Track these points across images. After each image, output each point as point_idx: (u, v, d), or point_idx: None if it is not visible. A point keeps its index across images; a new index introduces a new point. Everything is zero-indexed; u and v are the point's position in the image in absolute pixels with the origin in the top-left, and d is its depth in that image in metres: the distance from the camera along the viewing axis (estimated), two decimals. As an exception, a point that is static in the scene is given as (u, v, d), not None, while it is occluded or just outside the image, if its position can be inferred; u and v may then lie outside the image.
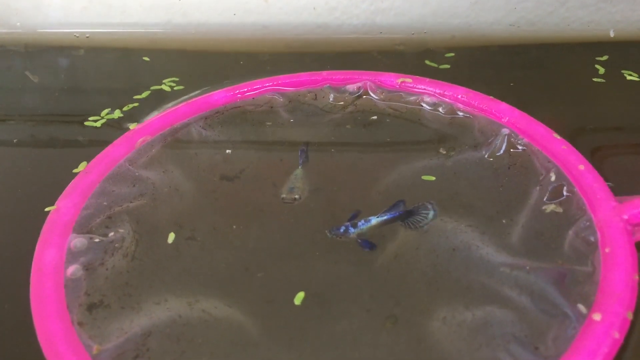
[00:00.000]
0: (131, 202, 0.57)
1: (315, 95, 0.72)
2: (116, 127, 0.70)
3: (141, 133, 0.65)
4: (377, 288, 0.50)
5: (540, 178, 0.57)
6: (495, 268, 0.49)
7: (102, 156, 0.61)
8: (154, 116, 0.69)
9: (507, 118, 0.63)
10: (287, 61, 0.82)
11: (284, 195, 0.58)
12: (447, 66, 0.80)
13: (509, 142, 0.61)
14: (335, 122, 0.69)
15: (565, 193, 0.54)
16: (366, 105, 0.71)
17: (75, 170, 0.61)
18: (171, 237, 0.54)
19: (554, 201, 0.54)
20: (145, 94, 0.75)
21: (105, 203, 0.57)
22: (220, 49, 0.89)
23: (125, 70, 0.85)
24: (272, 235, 0.55)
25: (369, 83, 0.71)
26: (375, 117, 0.69)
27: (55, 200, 0.57)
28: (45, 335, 0.45)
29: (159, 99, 0.75)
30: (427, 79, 0.70)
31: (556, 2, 0.86)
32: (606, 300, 0.44)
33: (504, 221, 0.54)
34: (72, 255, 0.51)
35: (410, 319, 0.47)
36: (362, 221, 0.53)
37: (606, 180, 0.55)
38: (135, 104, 0.73)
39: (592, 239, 0.49)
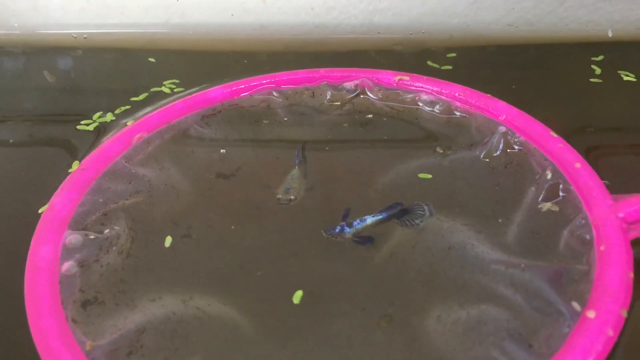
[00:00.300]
0: (127, 200, 0.57)
1: (313, 92, 0.72)
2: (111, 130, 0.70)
3: (138, 129, 0.65)
4: (372, 287, 0.50)
5: (537, 177, 0.57)
6: (490, 266, 0.49)
7: (98, 152, 0.61)
8: (150, 112, 0.69)
9: (504, 116, 0.63)
10: (286, 61, 0.82)
11: (279, 196, 0.58)
12: (449, 67, 0.79)
13: (505, 140, 0.61)
14: (333, 121, 0.68)
15: (561, 191, 0.54)
16: (363, 104, 0.71)
17: (70, 170, 0.61)
18: (168, 240, 0.54)
19: (550, 199, 0.54)
20: (142, 96, 0.75)
21: (101, 200, 0.56)
22: (219, 49, 0.89)
23: (124, 71, 0.85)
24: (268, 234, 0.55)
25: (366, 81, 0.71)
26: (372, 116, 0.69)
27: (49, 200, 0.56)
28: (39, 331, 0.45)
29: (157, 101, 0.74)
30: (425, 77, 0.70)
31: (555, 1, 0.86)
32: (600, 298, 0.44)
33: (500, 220, 0.54)
34: (67, 252, 0.51)
35: (405, 318, 0.47)
36: (358, 220, 0.53)
37: (602, 178, 0.55)
38: (128, 107, 0.73)
39: (587, 237, 0.49)
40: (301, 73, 0.73)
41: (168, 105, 0.70)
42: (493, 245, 0.51)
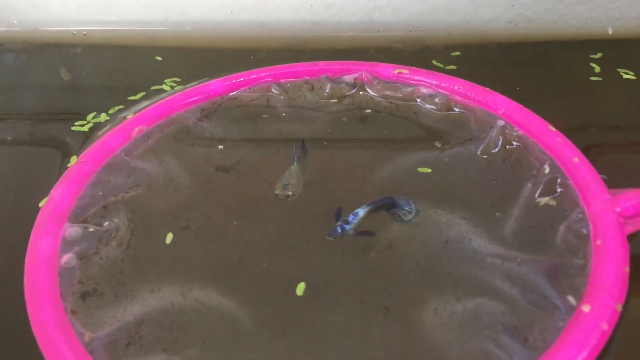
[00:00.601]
0: (126, 192, 0.57)
1: (312, 85, 0.72)
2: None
3: (137, 123, 0.65)
4: (370, 280, 0.50)
5: (535, 171, 0.57)
6: (487, 260, 0.49)
7: (97, 146, 0.61)
8: (150, 106, 0.69)
9: (503, 110, 0.63)
10: (285, 58, 0.81)
11: (277, 192, 0.58)
12: (453, 67, 0.80)
13: (504, 134, 0.61)
14: (331, 116, 0.69)
15: (558, 186, 0.55)
16: (362, 98, 0.71)
17: (68, 165, 0.61)
18: (169, 237, 0.54)
19: (548, 193, 0.54)
20: (140, 95, 0.75)
21: (100, 193, 0.57)
22: (218, 47, 0.89)
23: (123, 69, 0.85)
24: (266, 227, 0.55)
25: (365, 74, 0.71)
26: (371, 111, 0.69)
27: (49, 194, 0.57)
28: (38, 322, 0.45)
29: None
30: (424, 70, 0.70)
31: (555, -2, 0.86)
32: (596, 292, 0.44)
33: (497, 214, 0.54)
34: (67, 244, 0.51)
35: (401, 310, 0.47)
36: (352, 216, 0.53)
37: (600, 173, 0.55)
38: (121, 106, 0.73)
39: (584, 231, 0.49)
40: (300, 66, 0.74)
41: (167, 98, 0.70)
42: (490, 239, 0.51)
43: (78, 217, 0.54)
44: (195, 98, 0.70)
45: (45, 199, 0.55)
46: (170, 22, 0.91)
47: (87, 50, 0.89)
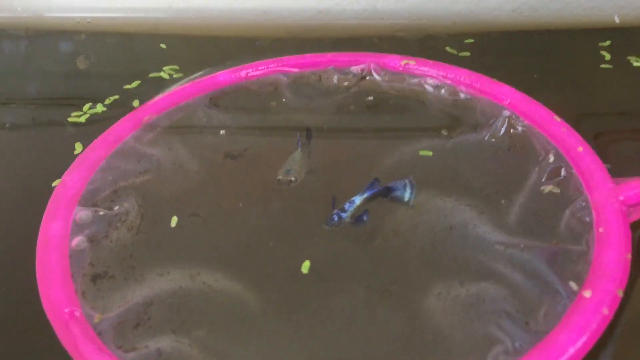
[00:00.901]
0: (136, 178, 0.58)
1: (320, 76, 0.72)
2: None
3: (147, 111, 0.66)
4: (375, 265, 0.51)
5: (539, 159, 0.57)
6: (490, 246, 0.50)
7: (108, 133, 0.62)
8: (160, 95, 0.69)
9: (509, 100, 0.64)
10: (288, 47, 0.82)
11: (280, 177, 0.58)
12: (466, 53, 0.80)
13: (509, 124, 0.61)
14: (339, 104, 0.69)
15: (563, 174, 0.55)
16: (370, 87, 0.71)
17: (76, 152, 0.62)
18: (174, 220, 0.55)
19: (552, 182, 0.55)
20: (134, 84, 0.75)
21: (110, 178, 0.58)
22: (221, 35, 0.89)
23: (126, 56, 0.86)
24: (274, 213, 0.56)
25: (372, 65, 0.71)
26: (378, 99, 0.69)
27: (61, 177, 0.58)
28: (49, 304, 0.46)
29: (155, 87, 0.75)
30: (431, 61, 0.70)
31: (558, -14, 0.86)
32: (597, 278, 0.44)
33: (502, 201, 0.54)
34: (77, 227, 0.52)
35: (406, 295, 0.48)
36: (348, 204, 0.54)
37: (608, 163, 0.55)
38: (116, 97, 0.74)
39: (587, 219, 0.50)
40: (308, 57, 0.74)
41: (177, 88, 0.71)
42: (495, 225, 0.52)
43: (89, 201, 0.55)
44: (204, 88, 0.71)
45: (59, 180, 0.56)
46: (174, 9, 0.92)
47: (91, 38, 0.90)
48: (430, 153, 0.61)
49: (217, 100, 0.70)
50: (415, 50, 0.75)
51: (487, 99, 0.65)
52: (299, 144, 0.62)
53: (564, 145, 0.57)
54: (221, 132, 0.65)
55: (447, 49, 0.80)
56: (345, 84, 0.72)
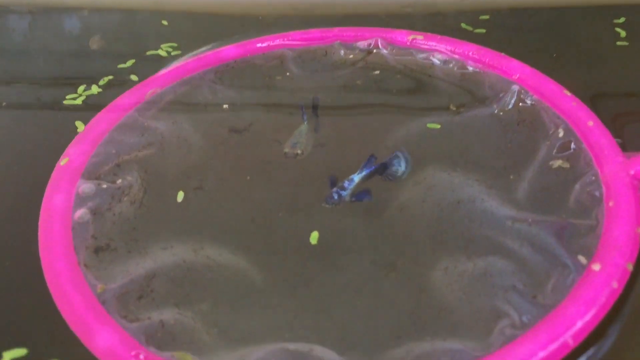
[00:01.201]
0: (140, 151, 0.58)
1: (326, 51, 0.71)
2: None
3: (151, 85, 0.65)
4: (381, 240, 0.50)
5: (549, 134, 0.57)
6: (498, 221, 0.49)
7: (111, 106, 0.62)
8: (164, 69, 0.69)
9: (518, 75, 0.63)
10: (294, 24, 0.81)
11: (286, 150, 0.58)
12: (470, 27, 0.79)
13: (518, 98, 0.61)
14: (345, 78, 0.68)
15: (572, 149, 0.54)
16: (376, 61, 0.70)
17: (79, 131, 0.61)
18: (180, 195, 0.54)
19: (561, 156, 0.54)
20: (129, 63, 0.74)
21: (113, 151, 0.57)
22: (225, 11, 0.88)
23: (127, 33, 0.85)
24: (279, 188, 0.55)
25: (379, 40, 0.70)
26: (385, 74, 0.68)
27: (60, 156, 0.57)
28: (52, 274, 0.46)
29: (152, 65, 0.74)
30: (438, 36, 0.69)
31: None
32: (607, 251, 0.44)
33: (511, 176, 0.54)
34: (80, 200, 0.52)
35: (412, 270, 0.47)
36: (347, 182, 0.53)
37: (618, 138, 0.54)
38: (111, 77, 0.72)
39: (597, 193, 0.49)
40: (314, 32, 0.73)
41: (181, 63, 0.70)
42: (503, 200, 0.51)
43: (92, 174, 0.55)
44: (208, 63, 0.70)
45: (67, 159, 0.56)
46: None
47: (94, 14, 0.89)
48: (438, 126, 0.60)
49: (222, 74, 0.69)
50: (423, 27, 0.73)
51: (495, 74, 0.64)
52: (304, 117, 0.61)
53: (574, 119, 0.56)
54: (224, 106, 0.65)
55: (463, 25, 0.79)
56: (351, 57, 0.71)
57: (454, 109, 0.62)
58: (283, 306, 0.46)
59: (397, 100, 0.65)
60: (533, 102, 0.60)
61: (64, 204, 0.51)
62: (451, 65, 0.67)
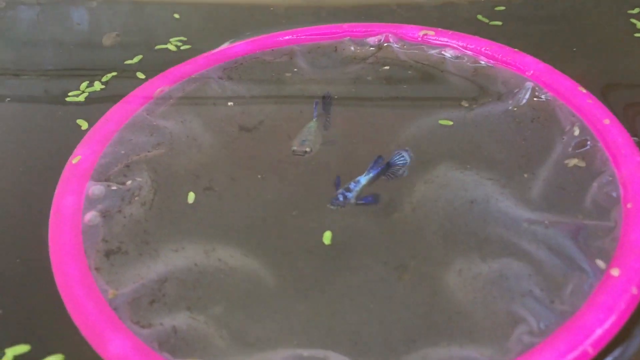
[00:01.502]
0: (149, 152, 0.57)
1: (336, 47, 0.71)
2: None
3: (159, 83, 0.65)
4: (393, 240, 0.49)
5: (564, 132, 0.56)
6: (513, 221, 0.48)
7: (120, 105, 0.61)
8: (173, 67, 0.68)
9: (532, 71, 0.62)
10: (303, 15, 0.80)
11: (294, 148, 0.57)
12: (497, 23, 0.77)
13: (532, 95, 0.60)
14: (355, 74, 0.68)
15: (588, 148, 0.53)
16: (387, 57, 0.69)
17: (83, 128, 0.61)
18: (191, 196, 0.54)
19: (577, 155, 0.53)
20: (136, 59, 0.73)
21: (123, 152, 0.57)
22: (234, 3, 0.87)
23: (138, 25, 0.84)
24: (290, 187, 0.55)
25: (390, 36, 0.69)
26: (396, 69, 0.68)
27: (68, 152, 0.57)
28: (63, 279, 0.45)
29: (159, 60, 0.73)
30: (450, 32, 0.68)
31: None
32: (626, 255, 0.43)
33: (525, 175, 0.53)
34: (90, 202, 0.52)
35: (426, 271, 0.47)
36: (353, 184, 0.52)
37: (635, 136, 0.53)
38: (114, 73, 0.71)
39: (614, 194, 0.48)
40: (324, 28, 0.72)
41: (189, 60, 0.69)
42: (517, 200, 0.50)
43: (101, 175, 0.54)
44: (217, 60, 0.69)
45: (79, 157, 0.55)
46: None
47: (103, 5, 0.88)
48: (451, 123, 0.59)
49: (230, 71, 0.68)
50: (436, 17, 0.72)
51: (509, 70, 0.63)
52: (315, 114, 0.60)
53: (590, 117, 0.55)
54: (229, 103, 0.64)
55: (479, 17, 0.78)
56: (361, 52, 0.70)
57: (466, 105, 0.61)
58: (296, 309, 0.45)
59: (408, 96, 0.65)
60: (548, 99, 0.59)
61: (73, 206, 0.51)
62: (463, 60, 0.66)
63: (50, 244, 0.48)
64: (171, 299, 0.45)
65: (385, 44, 0.70)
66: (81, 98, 0.67)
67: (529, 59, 0.63)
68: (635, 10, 0.77)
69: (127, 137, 0.58)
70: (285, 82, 0.67)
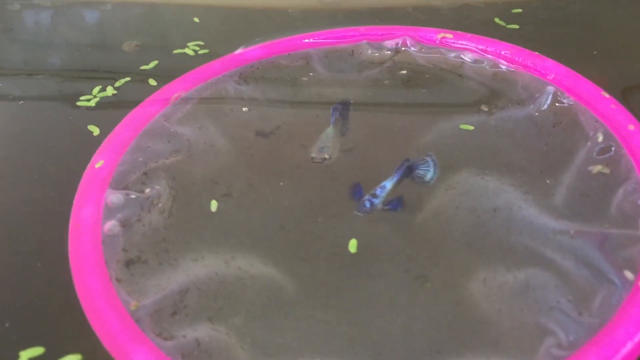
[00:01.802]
0: (167, 159, 0.57)
1: (352, 51, 0.70)
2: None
3: (176, 88, 0.64)
4: (415, 248, 0.49)
5: (587, 138, 0.55)
6: (538, 230, 0.48)
7: (136, 112, 0.61)
8: (189, 71, 0.68)
9: (553, 75, 0.61)
10: (319, 18, 0.79)
11: (313, 155, 0.56)
12: (515, 26, 0.76)
13: (554, 100, 0.59)
14: (373, 78, 0.67)
15: (613, 154, 0.53)
16: (404, 60, 0.69)
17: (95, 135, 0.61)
18: (214, 204, 0.53)
19: (601, 161, 0.52)
20: (152, 64, 0.73)
21: (140, 159, 0.56)
22: (250, 6, 0.86)
23: (151, 28, 0.84)
24: (308, 193, 0.54)
25: (408, 39, 0.69)
26: (413, 73, 0.67)
27: (82, 156, 0.57)
28: (84, 291, 0.45)
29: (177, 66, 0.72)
30: (469, 35, 0.68)
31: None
32: (655, 266, 0.42)
33: (548, 181, 0.52)
34: (109, 212, 0.51)
35: (448, 280, 0.46)
36: (379, 189, 0.52)
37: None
38: (128, 78, 0.70)
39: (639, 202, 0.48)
40: (340, 31, 0.72)
41: (205, 64, 0.69)
42: (541, 207, 0.50)
43: (119, 183, 0.54)
44: (233, 65, 0.68)
45: (102, 162, 0.55)
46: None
47: (117, 8, 0.88)
48: (472, 127, 0.59)
49: (246, 76, 0.68)
50: (453, 20, 0.71)
51: (529, 74, 0.63)
52: (333, 119, 0.60)
53: (613, 123, 0.54)
54: (244, 109, 0.63)
55: (496, 20, 0.77)
56: (378, 56, 0.69)
57: (486, 109, 0.61)
58: (317, 318, 0.45)
59: (426, 100, 0.64)
60: (570, 104, 0.58)
61: (93, 216, 0.50)
62: (483, 64, 0.66)
63: (70, 255, 0.48)
64: (192, 310, 0.45)
65: (402, 48, 0.69)
66: (92, 103, 0.67)
67: (549, 62, 0.62)
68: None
69: (145, 144, 0.58)
70: (302, 86, 0.67)
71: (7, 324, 0.46)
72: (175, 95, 0.63)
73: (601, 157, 0.53)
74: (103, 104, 0.67)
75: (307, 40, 0.71)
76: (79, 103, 0.67)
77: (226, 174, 0.56)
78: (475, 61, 0.66)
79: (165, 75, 0.68)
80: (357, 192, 0.53)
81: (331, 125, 0.60)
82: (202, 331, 0.43)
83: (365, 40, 0.70)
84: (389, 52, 0.69)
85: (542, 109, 0.59)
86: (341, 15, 0.80)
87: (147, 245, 0.50)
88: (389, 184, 0.52)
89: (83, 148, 0.58)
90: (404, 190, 0.53)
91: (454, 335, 0.43)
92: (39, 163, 0.61)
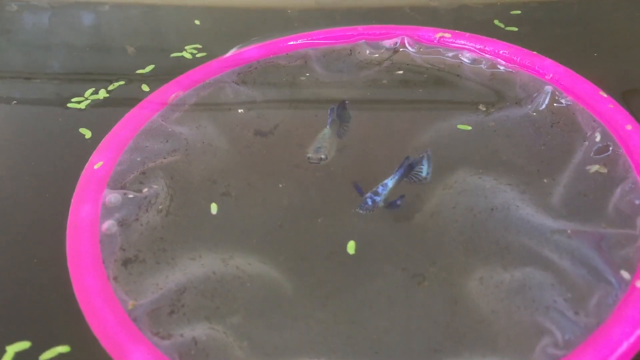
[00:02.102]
0: (165, 158, 0.57)
1: (350, 51, 0.70)
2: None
3: (174, 88, 0.64)
4: (412, 247, 0.49)
5: (585, 137, 0.55)
6: (535, 230, 0.48)
7: (134, 112, 0.61)
8: (187, 72, 0.68)
9: (551, 75, 0.61)
10: (316, 18, 0.79)
11: (309, 155, 0.56)
12: (502, 26, 0.76)
13: (552, 100, 0.59)
14: (371, 78, 0.67)
15: (610, 154, 0.53)
16: (403, 61, 0.69)
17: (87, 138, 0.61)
18: (212, 206, 0.53)
19: (599, 161, 0.53)
20: (148, 69, 0.72)
21: (138, 159, 0.56)
22: (247, 6, 0.86)
23: (148, 30, 0.84)
24: (306, 192, 0.54)
25: (406, 39, 0.69)
26: (411, 73, 0.67)
27: (75, 157, 0.57)
28: (82, 290, 0.45)
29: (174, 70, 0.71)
30: (467, 34, 0.68)
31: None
32: (652, 266, 0.42)
33: (545, 180, 0.52)
34: (107, 211, 0.51)
35: (446, 279, 0.46)
36: (381, 187, 0.52)
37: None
38: (122, 82, 0.70)
39: (637, 202, 0.48)
40: (338, 31, 0.72)
41: (203, 64, 0.69)
42: (538, 207, 0.50)
43: (117, 183, 0.54)
44: (231, 64, 0.69)
45: (101, 163, 0.55)
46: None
47: (115, 9, 0.88)
48: (469, 127, 0.59)
49: (245, 75, 0.68)
50: (450, 21, 0.71)
51: (527, 74, 0.63)
52: (329, 120, 0.60)
53: (611, 122, 0.55)
54: (242, 108, 0.63)
55: (496, 22, 0.77)
56: (377, 56, 0.69)
57: (484, 109, 0.61)
58: (315, 317, 0.45)
59: (424, 100, 0.64)
60: (568, 103, 0.59)
61: (91, 215, 0.50)
62: (481, 63, 0.66)
63: (68, 254, 0.48)
64: (190, 309, 0.45)
65: (401, 48, 0.69)
66: (82, 105, 0.67)
67: (548, 62, 0.62)
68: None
69: (143, 144, 0.58)
70: (300, 86, 0.67)
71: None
72: (174, 95, 0.63)
73: (599, 156, 0.53)
74: (94, 107, 0.66)
75: (305, 40, 0.71)
76: (69, 105, 0.67)
77: (224, 174, 0.56)
78: (473, 61, 0.66)
79: (161, 80, 0.68)
80: (357, 190, 0.53)
81: (328, 126, 0.60)
82: (199, 330, 0.43)
83: (364, 40, 0.70)
84: (387, 52, 0.69)
85: (540, 108, 0.59)
86: (339, 16, 0.80)
87: (145, 245, 0.50)
88: (390, 182, 0.52)
89: (76, 148, 0.59)
90: (401, 190, 0.53)
91: (451, 334, 0.43)
92: (37, 161, 0.61)
